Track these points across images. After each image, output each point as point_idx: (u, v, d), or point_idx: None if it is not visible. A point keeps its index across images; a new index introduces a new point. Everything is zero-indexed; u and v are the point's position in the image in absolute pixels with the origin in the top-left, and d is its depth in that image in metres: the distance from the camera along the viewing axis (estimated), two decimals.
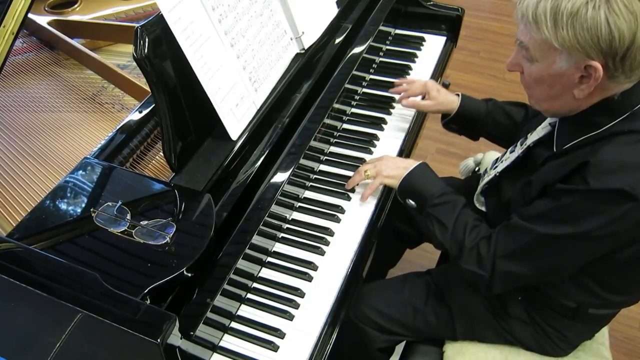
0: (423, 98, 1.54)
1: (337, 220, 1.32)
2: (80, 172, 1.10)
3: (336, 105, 1.46)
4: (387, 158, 1.36)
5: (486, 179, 1.31)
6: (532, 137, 1.20)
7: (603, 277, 1.13)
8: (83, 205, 1.05)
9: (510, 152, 1.27)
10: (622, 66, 0.93)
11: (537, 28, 0.95)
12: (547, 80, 1.02)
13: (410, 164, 1.30)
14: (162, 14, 1.04)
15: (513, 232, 1.09)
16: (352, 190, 1.38)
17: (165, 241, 0.96)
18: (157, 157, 1.26)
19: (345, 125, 1.56)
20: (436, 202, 1.22)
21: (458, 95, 1.50)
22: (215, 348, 1.08)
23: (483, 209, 1.32)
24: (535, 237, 1.06)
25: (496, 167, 1.30)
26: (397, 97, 1.60)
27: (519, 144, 1.25)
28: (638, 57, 0.92)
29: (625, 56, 0.91)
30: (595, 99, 1.01)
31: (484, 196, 1.33)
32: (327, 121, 1.42)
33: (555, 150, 1.11)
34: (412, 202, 1.27)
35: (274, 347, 1.08)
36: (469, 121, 1.50)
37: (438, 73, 1.78)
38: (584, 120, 1.05)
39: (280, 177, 1.20)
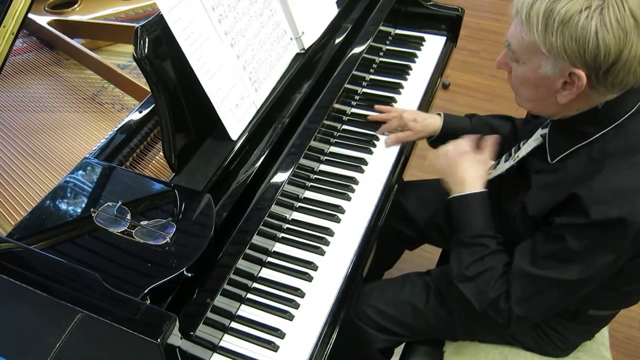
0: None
1: (337, 220, 1.32)
2: (80, 172, 1.10)
3: (336, 105, 1.46)
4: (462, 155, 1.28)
5: None
6: (524, 149, 1.19)
7: (605, 285, 1.12)
8: (83, 205, 1.05)
9: (505, 161, 1.26)
10: (605, 80, 0.92)
11: (528, 29, 0.94)
12: (532, 83, 1.02)
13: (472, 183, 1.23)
14: (162, 14, 1.04)
15: (526, 280, 1.07)
16: (352, 190, 1.38)
17: (165, 241, 0.96)
18: (157, 157, 1.26)
19: (345, 126, 1.56)
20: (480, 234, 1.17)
21: (440, 114, 1.48)
22: (215, 348, 1.08)
23: None
24: (548, 284, 1.05)
25: (490, 174, 1.29)
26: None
27: (513, 151, 1.25)
28: (621, 75, 0.91)
29: (609, 72, 0.91)
30: (578, 105, 1.01)
31: None
32: (327, 121, 1.42)
33: (549, 160, 1.11)
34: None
35: (274, 347, 1.08)
36: (454, 139, 1.48)
37: (438, 73, 1.78)
38: (573, 130, 1.05)
39: (280, 177, 1.20)
